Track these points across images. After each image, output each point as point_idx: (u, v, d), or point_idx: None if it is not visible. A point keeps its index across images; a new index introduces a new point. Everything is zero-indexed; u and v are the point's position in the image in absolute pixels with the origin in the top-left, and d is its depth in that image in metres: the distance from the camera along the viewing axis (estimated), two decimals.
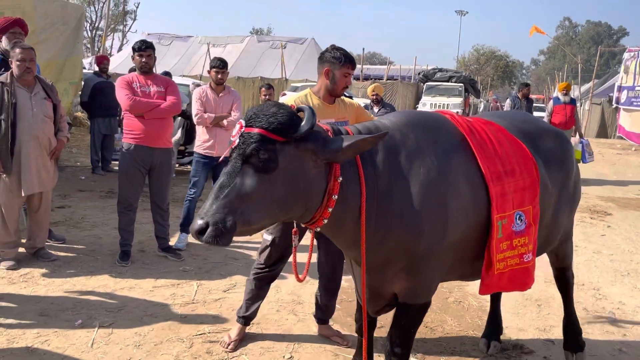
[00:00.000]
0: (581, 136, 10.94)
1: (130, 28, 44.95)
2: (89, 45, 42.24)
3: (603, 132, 21.68)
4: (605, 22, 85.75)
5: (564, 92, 10.78)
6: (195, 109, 5.29)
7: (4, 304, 3.77)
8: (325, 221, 2.19)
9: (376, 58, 73.56)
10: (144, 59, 4.63)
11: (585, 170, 12.55)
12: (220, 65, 5.34)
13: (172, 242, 5.22)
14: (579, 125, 11.10)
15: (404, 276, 2.44)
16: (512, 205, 2.52)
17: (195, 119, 5.33)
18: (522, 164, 2.60)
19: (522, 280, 2.67)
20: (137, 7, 44.57)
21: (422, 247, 2.34)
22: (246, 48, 27.77)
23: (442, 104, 20.56)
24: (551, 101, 11.13)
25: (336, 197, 2.14)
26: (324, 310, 3.59)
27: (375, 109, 7.95)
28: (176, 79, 14.13)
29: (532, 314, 4.23)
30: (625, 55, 18.69)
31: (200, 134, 5.38)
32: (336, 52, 3.16)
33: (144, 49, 4.63)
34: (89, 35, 41.99)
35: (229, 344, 3.36)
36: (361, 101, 14.98)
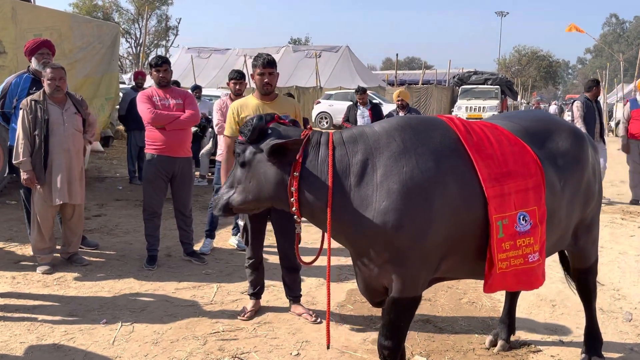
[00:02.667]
0: None
1: (172, 43, 46.44)
2: (134, 61, 43.83)
3: None
4: None
5: None
6: (215, 119, 5.55)
7: (38, 303, 4.08)
8: (294, 209, 2.60)
9: (415, 63, 73.21)
10: (161, 74, 4.91)
11: (624, 171, 12.17)
12: (237, 76, 5.58)
13: (198, 247, 5.47)
14: None
15: (390, 269, 2.55)
16: (514, 205, 2.58)
17: (216, 129, 5.59)
18: (524, 165, 2.66)
19: (528, 280, 2.71)
20: (178, 23, 45.98)
21: (403, 241, 2.45)
22: (282, 58, 28.18)
23: (477, 106, 20.38)
24: (627, 104, 8.91)
25: (294, 189, 2.55)
26: (290, 287, 4.03)
27: (401, 114, 8.06)
28: (213, 91, 14.66)
29: (545, 314, 4.23)
30: None
31: (222, 143, 5.61)
32: (255, 58, 3.67)
33: (160, 64, 4.91)
34: (134, 51, 43.62)
35: (245, 314, 3.95)
36: (392, 107, 15.03)
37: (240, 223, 3.88)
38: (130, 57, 43.06)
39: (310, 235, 6.09)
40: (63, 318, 3.85)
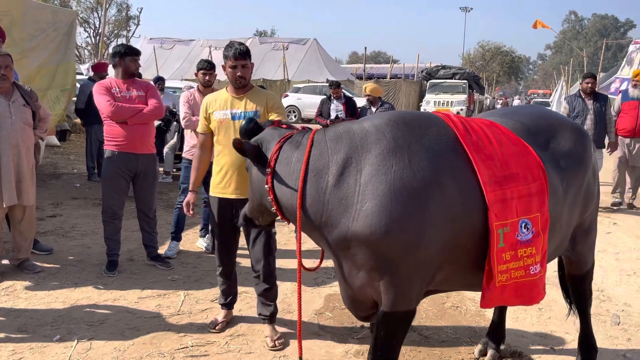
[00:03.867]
0: None
1: (133, 33, 45.05)
2: (93, 51, 42.40)
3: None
4: (612, 15, 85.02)
5: (637, 82, 7.62)
6: (182, 112, 5.16)
7: None
8: (274, 209, 2.49)
9: (381, 57, 73.38)
10: (130, 63, 4.52)
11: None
12: (207, 66, 5.20)
13: (163, 250, 5.10)
14: None
15: (377, 279, 2.28)
16: (516, 212, 2.34)
17: (182, 123, 5.20)
18: (527, 168, 2.42)
19: (529, 294, 2.47)
20: (140, 12, 44.55)
21: (391, 248, 2.18)
22: None
23: (445, 101, 20.39)
24: (618, 97, 8.12)
25: (268, 186, 2.45)
26: (262, 303, 3.58)
27: (373, 109, 7.82)
28: (177, 83, 14.10)
29: (532, 318, 4.05)
30: (631, 47, 18.37)
31: (189, 138, 5.25)
32: (226, 48, 3.34)
33: (134, 54, 4.54)
34: (93, 41, 42.13)
35: (216, 325, 3.63)
36: (363, 100, 14.81)
37: (211, 228, 3.58)
38: (89, 47, 41.61)
39: (283, 235, 5.78)
40: (10, 335, 3.43)
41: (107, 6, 41.46)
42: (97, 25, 42.21)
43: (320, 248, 2.59)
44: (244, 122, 2.70)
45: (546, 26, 20.46)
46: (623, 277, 4.95)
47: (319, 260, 2.74)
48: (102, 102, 4.39)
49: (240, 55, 3.26)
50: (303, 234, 2.44)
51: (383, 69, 31.29)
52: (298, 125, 2.75)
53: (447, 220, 2.25)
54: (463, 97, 20.44)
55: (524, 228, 2.38)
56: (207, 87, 5.21)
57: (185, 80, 20.27)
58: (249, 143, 2.51)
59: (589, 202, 2.85)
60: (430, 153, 2.27)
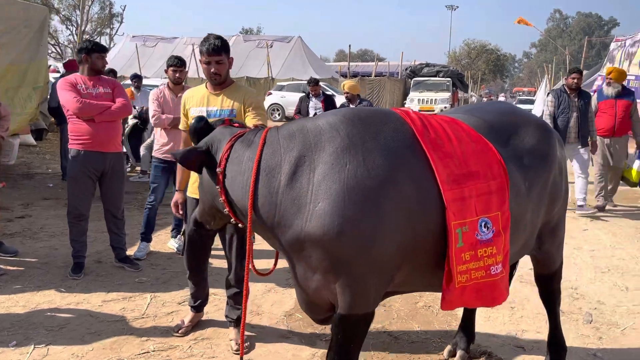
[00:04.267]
0: (639, 147, 7.42)
1: (117, 31, 44.58)
2: (75, 50, 41.87)
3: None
4: (596, 13, 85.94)
5: (610, 80, 7.31)
6: (151, 110, 5.04)
7: None
8: (226, 211, 2.39)
9: (368, 55, 73.43)
10: (97, 60, 4.42)
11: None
12: (177, 63, 5.08)
13: (133, 251, 4.98)
14: (637, 130, 7.36)
15: (333, 281, 2.21)
16: (475, 211, 2.28)
17: (152, 121, 5.09)
18: (487, 166, 2.36)
19: (490, 295, 2.41)
20: (123, 10, 44.09)
21: (345, 249, 2.11)
22: (232, 48, 27.36)
23: (429, 99, 20.39)
24: (594, 96, 7.68)
25: (219, 187, 2.35)
26: (232, 308, 3.50)
27: (352, 107, 7.77)
28: (159, 81, 13.88)
29: (503, 317, 4.00)
30: (612, 45, 18.46)
31: (159, 137, 5.13)
32: (201, 43, 3.21)
33: (101, 50, 4.44)
34: (75, 39, 41.58)
35: (181, 329, 3.52)
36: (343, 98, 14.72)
37: (184, 228, 3.49)
38: (71, 46, 41.08)
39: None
40: None
41: (90, 3, 41.02)
42: (80, 23, 41.72)
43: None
44: (193, 121, 2.58)
45: (528, 23, 20.53)
46: (597, 275, 4.93)
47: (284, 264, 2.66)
48: (67, 98, 4.26)
49: (214, 50, 3.12)
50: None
51: (369, 67, 31.25)
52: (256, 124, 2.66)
53: (404, 220, 2.18)
54: (447, 94, 20.48)
55: (484, 227, 2.32)
56: (177, 84, 5.11)
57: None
58: (192, 152, 2.42)
59: (556, 200, 2.80)
60: (386, 151, 2.20)
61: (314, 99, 8.44)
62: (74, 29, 41.18)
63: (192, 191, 3.42)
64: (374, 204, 2.11)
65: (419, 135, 2.30)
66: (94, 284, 4.32)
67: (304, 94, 9.16)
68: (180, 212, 3.57)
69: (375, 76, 24.74)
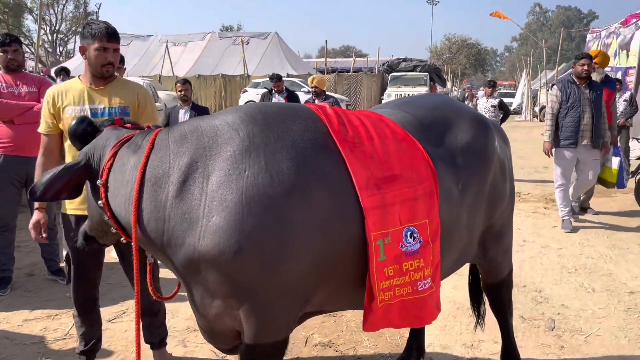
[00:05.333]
0: (615, 142, 6.48)
1: None
2: (50, 50, 41.04)
3: None
4: (575, 7, 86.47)
5: (595, 65, 6.33)
6: None
7: None
8: (114, 230, 2.08)
9: (350, 51, 73.16)
10: (9, 55, 4.03)
11: (547, 156, 12.15)
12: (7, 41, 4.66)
13: None
14: (614, 124, 6.53)
15: (236, 307, 1.90)
16: (399, 219, 1.99)
17: None
18: (413, 168, 2.07)
19: (418, 314, 2.12)
20: (98, 8, 43.32)
21: (246, 270, 1.80)
22: (208, 45, 27.06)
23: (407, 94, 20.12)
24: (553, 88, 6.66)
25: (102, 203, 2.02)
26: (150, 330, 3.10)
27: (317, 102, 7.49)
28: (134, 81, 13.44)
29: (461, 326, 3.73)
30: (588, 36, 18.34)
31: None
32: (90, 25, 2.69)
33: (9, 43, 4.02)
34: (50, 38, 40.77)
35: None
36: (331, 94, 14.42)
37: (64, 253, 2.88)
38: (46, 45, 40.22)
39: None
40: None
41: (64, 2, 40.17)
42: (54, 22, 40.92)
43: None
44: (73, 123, 2.18)
45: (505, 16, 20.37)
46: (564, 275, 4.69)
47: None
48: None
49: (113, 35, 2.67)
50: None
51: (348, 62, 30.94)
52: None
53: (317, 233, 1.88)
54: (424, 89, 20.25)
55: (410, 237, 2.03)
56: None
57: (144, 77, 19.62)
58: (59, 179, 2.02)
59: (498, 202, 2.52)
60: (294, 152, 1.89)
61: (277, 96, 8.13)
62: (48, 28, 40.38)
63: (73, 207, 2.81)
64: (279, 216, 1.81)
65: (334, 133, 2.00)
66: (19, 301, 3.96)
67: (265, 89, 8.83)
68: (44, 236, 2.87)
69: (354, 72, 24.45)
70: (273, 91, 8.22)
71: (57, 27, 41.06)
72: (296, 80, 19.35)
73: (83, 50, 2.71)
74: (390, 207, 1.99)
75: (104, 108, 2.77)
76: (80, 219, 2.71)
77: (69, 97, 2.75)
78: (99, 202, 2.03)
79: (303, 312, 2.09)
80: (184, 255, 1.85)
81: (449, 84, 39.32)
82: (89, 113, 2.74)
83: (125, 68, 4.88)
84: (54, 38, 41.04)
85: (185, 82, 6.15)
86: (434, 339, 3.56)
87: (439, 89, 24.90)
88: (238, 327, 1.97)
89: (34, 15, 39.50)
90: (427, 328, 3.66)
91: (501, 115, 8.78)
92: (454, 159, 2.28)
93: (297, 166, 1.87)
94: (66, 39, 42.42)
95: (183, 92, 6.06)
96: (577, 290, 4.37)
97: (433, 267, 2.11)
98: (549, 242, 5.62)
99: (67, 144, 2.79)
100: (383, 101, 20.77)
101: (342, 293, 2.09)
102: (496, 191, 2.49)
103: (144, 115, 2.86)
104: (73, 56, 33.04)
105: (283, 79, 8.51)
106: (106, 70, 2.72)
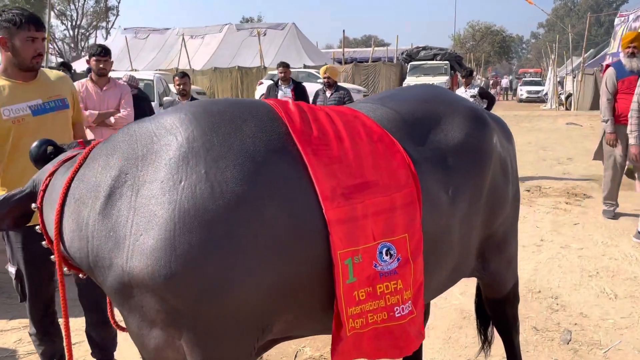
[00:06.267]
0: None
1: (113, 24, 44.05)
2: (71, 45, 41.47)
3: (596, 103, 20.64)
4: None
5: (632, 50, 5.57)
6: None
7: None
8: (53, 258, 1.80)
9: (372, 41, 72.30)
10: (101, 64, 4.41)
11: (572, 146, 11.67)
12: (101, 52, 4.51)
13: None
14: None
15: (178, 339, 1.63)
16: (372, 234, 1.70)
17: None
18: (390, 173, 1.77)
19: (395, 343, 1.81)
20: (119, 3, 43.63)
21: (182, 297, 1.52)
22: (225, 38, 26.88)
23: (427, 83, 19.65)
24: (608, 70, 5.86)
25: (39, 227, 1.80)
26: (100, 346, 2.88)
27: (328, 93, 7.20)
28: (150, 75, 13.30)
29: (466, 339, 3.41)
30: (616, 20, 17.66)
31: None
32: (9, 13, 2.41)
33: (104, 54, 4.35)
34: (71, 34, 41.16)
35: None
36: (348, 86, 14.08)
37: (12, 270, 2.55)
38: (67, 40, 40.65)
39: None
40: None
41: None
42: (75, 18, 41.26)
43: None
44: (33, 147, 1.92)
45: (530, 1, 19.69)
46: (583, 279, 4.31)
47: None
48: None
49: (41, 23, 2.45)
50: None
51: (367, 52, 30.43)
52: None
53: (270, 252, 1.59)
54: (444, 78, 19.70)
55: (385, 255, 1.73)
56: (102, 76, 4.54)
57: (160, 71, 19.53)
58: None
59: (498, 208, 2.19)
60: (243, 158, 1.60)
61: (283, 87, 7.83)
62: (69, 23, 40.76)
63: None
64: (221, 234, 1.52)
65: (295, 134, 1.71)
66: (0, 308, 3.78)
67: (271, 81, 8.53)
68: None
69: (373, 62, 23.99)
70: (279, 83, 7.93)
71: (78, 23, 41.40)
72: (313, 71, 18.99)
73: (4, 43, 2.42)
74: (362, 220, 1.69)
75: (41, 102, 2.54)
76: (29, 230, 2.45)
77: (1, 97, 2.46)
78: (36, 227, 1.80)
79: (266, 340, 1.82)
80: (114, 278, 1.59)
81: (474, 73, 38.41)
82: (27, 111, 2.50)
83: (112, 61, 4.65)
84: (75, 33, 41.39)
85: (184, 75, 5.91)
86: (435, 353, 3.26)
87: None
88: None
89: (55, 11, 39.89)
90: (429, 340, 3.37)
91: (485, 105, 8.28)
92: (443, 160, 1.96)
93: (246, 174, 1.58)
94: (87, 34, 42.76)
95: (181, 86, 5.83)
96: (597, 296, 4.01)
97: (414, 289, 1.81)
98: (569, 242, 5.23)
99: (7, 150, 2.51)
100: (457, 91, 20.29)
101: (312, 319, 1.80)
102: (496, 195, 2.16)
103: (76, 110, 2.72)
104: None
105: (300, 70, 8.24)
106: (37, 62, 2.49)
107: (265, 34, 24.97)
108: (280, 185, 1.63)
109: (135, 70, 20.81)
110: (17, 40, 2.40)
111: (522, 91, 31.78)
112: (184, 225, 1.50)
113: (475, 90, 8.15)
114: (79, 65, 26.11)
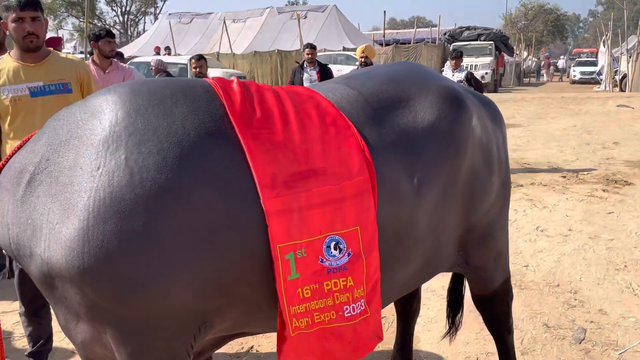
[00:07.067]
0: None
1: (161, 10, 44.77)
2: (121, 31, 42.51)
3: None
4: None
5: None
6: None
7: None
8: None
9: (420, 22, 70.74)
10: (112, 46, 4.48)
11: (619, 130, 10.99)
12: (109, 33, 4.50)
13: None
14: None
15: (104, 333, 1.54)
16: (317, 226, 1.56)
17: None
18: (341, 159, 1.63)
19: (346, 347, 1.67)
20: None
21: (99, 291, 1.43)
22: (266, 21, 26.79)
23: (470, 64, 18.95)
24: None
25: None
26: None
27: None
28: (186, 59, 13.37)
29: (468, 335, 3.22)
30: None
31: None
32: None
33: (112, 35, 4.53)
34: (120, 20, 42.16)
35: None
36: None
37: None
38: (117, 26, 41.66)
39: None
40: None
41: None
42: (125, 4, 42.20)
43: None
44: None
45: None
46: (609, 273, 4.01)
47: None
48: None
49: (28, 3, 2.49)
50: None
51: (410, 33, 29.71)
52: None
53: (202, 246, 1.47)
54: (488, 59, 18.99)
55: (334, 249, 1.59)
56: (108, 57, 4.52)
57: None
58: None
59: (480, 197, 1.99)
60: (169, 143, 1.48)
61: (308, 70, 7.67)
62: (118, 9, 41.74)
63: None
64: (140, 226, 1.41)
65: (234, 116, 1.57)
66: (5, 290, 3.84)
67: (296, 64, 8.38)
68: None
69: (416, 43, 23.39)
70: (305, 65, 7.77)
71: (127, 9, 42.35)
72: (351, 53, 18.68)
73: (6, 27, 2.59)
74: (306, 211, 1.55)
75: (42, 85, 2.63)
76: None
77: (3, 76, 2.60)
78: None
79: (212, 337, 1.72)
80: (35, 268, 1.52)
81: (524, 53, 37.05)
82: (26, 92, 2.60)
83: (114, 42, 4.61)
84: (125, 19, 42.38)
85: (200, 58, 5.86)
86: (433, 347, 3.10)
87: (507, 58, 23.41)
88: (113, 358, 1.61)
89: None
90: (429, 333, 3.21)
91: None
92: (409, 146, 1.78)
93: (171, 160, 1.46)
94: (137, 19, 43.69)
95: (198, 69, 5.78)
96: (621, 292, 3.71)
97: (369, 287, 1.66)
98: (599, 232, 4.89)
99: (6, 125, 2.65)
100: (443, 73, 19.70)
101: (260, 316, 1.68)
102: (476, 184, 1.96)
103: (85, 95, 2.68)
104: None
105: (338, 52, 8.10)
106: (29, 41, 2.56)
107: (305, 17, 24.74)
108: (213, 173, 1.50)
109: (179, 55, 21.08)
110: (9, 23, 2.53)
111: (575, 72, 30.32)
112: (99, 215, 1.40)
113: (462, 75, 7.75)
114: (128, 50, 26.74)
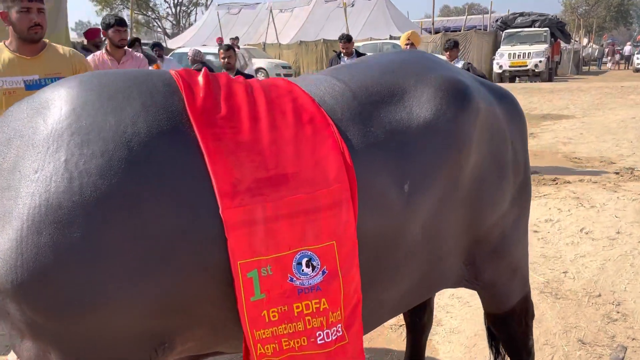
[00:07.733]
0: None
1: (212, 1, 45.29)
2: (174, 22, 43.33)
3: None
4: None
5: None
6: None
7: None
8: None
9: (475, 9, 68.62)
10: (122, 35, 4.39)
11: None
12: (120, 22, 4.41)
13: None
14: None
15: (50, 353, 1.40)
16: (286, 240, 1.37)
17: None
18: (316, 164, 1.42)
19: None
20: None
21: (33, 307, 1.29)
22: (313, 10, 26.62)
23: (522, 52, 18.18)
24: None
25: None
26: None
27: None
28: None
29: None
30: None
31: None
32: None
33: (124, 24, 4.45)
34: (173, 11, 42.94)
35: None
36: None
37: None
38: (170, 18, 42.48)
39: None
40: None
41: None
42: None
43: None
44: None
45: None
46: None
47: None
48: None
49: None
50: None
51: (461, 20, 28.80)
52: None
53: (152, 260, 1.31)
54: (543, 47, 18.07)
55: (305, 266, 1.39)
56: (120, 47, 4.43)
57: (248, 45, 19.79)
58: None
59: (488, 206, 1.74)
60: (116, 144, 1.32)
61: (345, 59, 7.44)
62: (171, 1, 42.48)
63: None
64: (79, 237, 1.26)
65: (193, 114, 1.39)
66: None
67: (334, 53, 8.16)
68: None
69: (467, 30, 22.60)
70: (342, 55, 7.55)
71: (179, 0, 43.04)
72: (398, 42, 18.23)
73: (5, 17, 2.54)
74: (272, 223, 1.36)
75: (38, 78, 2.60)
76: None
77: None
78: None
79: (174, 358, 1.56)
80: None
81: (585, 40, 35.30)
82: (21, 85, 2.58)
83: (125, 30, 4.52)
84: (177, 11, 43.12)
85: (229, 48, 5.74)
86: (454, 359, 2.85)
87: (564, 45, 22.27)
88: None
89: None
90: (446, 348, 2.97)
91: None
92: (400, 147, 1.56)
93: (118, 163, 1.30)
94: (189, 10, 44.39)
95: (226, 60, 5.66)
96: None
97: (347, 310, 1.45)
98: None
99: None
100: (494, 62, 18.90)
101: (229, 336, 1.51)
102: (484, 190, 1.71)
103: None
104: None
105: (385, 41, 7.85)
106: (35, 32, 2.55)
107: (353, 5, 24.38)
108: (165, 178, 1.33)
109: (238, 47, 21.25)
110: (13, 13, 2.50)
111: (639, 59, 28.59)
112: (33, 225, 1.26)
113: (459, 66, 7.15)
114: (179, 41, 27.16)
